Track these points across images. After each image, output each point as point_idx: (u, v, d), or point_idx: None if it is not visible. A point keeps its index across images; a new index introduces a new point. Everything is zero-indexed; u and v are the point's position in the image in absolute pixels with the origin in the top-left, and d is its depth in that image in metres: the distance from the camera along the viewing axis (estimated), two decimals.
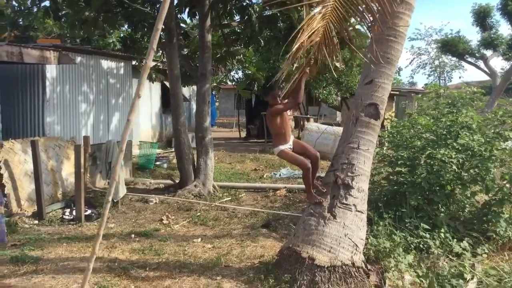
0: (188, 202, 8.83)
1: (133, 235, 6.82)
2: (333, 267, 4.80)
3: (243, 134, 23.29)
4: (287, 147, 5.50)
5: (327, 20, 6.94)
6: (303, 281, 4.76)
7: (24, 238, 6.51)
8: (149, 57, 3.27)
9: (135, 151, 13.15)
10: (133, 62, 12.62)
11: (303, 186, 10.45)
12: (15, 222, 7.10)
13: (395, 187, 7.17)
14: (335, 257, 4.83)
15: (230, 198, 9.49)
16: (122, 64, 11.34)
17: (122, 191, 8.48)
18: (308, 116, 21.95)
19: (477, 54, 28.28)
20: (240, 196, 9.73)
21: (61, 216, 7.78)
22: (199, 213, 8.18)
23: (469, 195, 6.74)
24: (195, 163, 10.01)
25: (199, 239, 6.72)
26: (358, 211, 5.14)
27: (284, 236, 6.80)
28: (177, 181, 10.18)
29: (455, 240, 5.80)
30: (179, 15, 11.23)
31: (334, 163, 5.43)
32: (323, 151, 15.05)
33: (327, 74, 19.19)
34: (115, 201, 8.31)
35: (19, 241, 6.37)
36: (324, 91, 19.95)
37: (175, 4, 10.46)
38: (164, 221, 7.70)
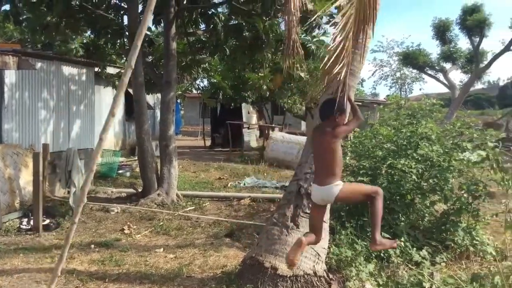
0: (150, 211, 8.69)
1: (92, 246, 6.66)
2: (295, 277, 4.81)
3: (208, 143, 23.20)
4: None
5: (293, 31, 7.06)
6: None
7: None
8: (126, 75, 3.13)
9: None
10: (96, 69, 12.39)
11: (267, 195, 10.56)
12: None
13: None
14: (298, 266, 4.83)
15: (193, 207, 9.40)
16: (84, 70, 11.10)
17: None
18: (273, 125, 22.05)
19: (436, 67, 29.13)
20: (204, 205, 9.65)
21: (18, 226, 7.51)
22: (161, 223, 8.06)
23: (428, 204, 6.89)
24: (159, 171, 9.88)
25: (161, 249, 6.61)
26: None
27: (247, 245, 6.77)
28: (139, 190, 10.01)
29: (414, 249, 5.91)
30: None
31: (298, 173, 5.46)
32: (287, 160, 15.21)
33: (292, 84, 19.37)
34: (74, 210, 8.09)
35: None
36: (289, 101, 20.12)
37: (139, 11, 10.36)
38: (126, 231, 7.54)
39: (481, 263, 5.91)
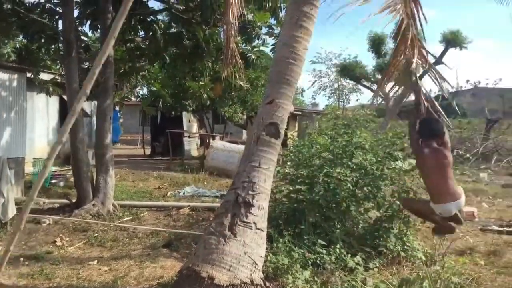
0: (85, 223, 8.39)
1: (22, 259, 6.35)
2: (232, 286, 4.78)
3: (148, 152, 22.79)
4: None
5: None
6: None
7: None
8: (80, 102, 2.95)
9: (29, 168, 12.33)
10: (28, 75, 11.91)
11: (207, 204, 10.49)
12: None
13: (295, 205, 7.37)
14: (235, 275, 4.83)
15: (131, 218, 9.17)
16: (16, 76, 10.64)
17: (12, 211, 7.87)
18: (214, 134, 22.02)
19: (372, 79, 30.15)
20: (141, 215, 9.44)
21: None
22: (96, 234, 7.80)
23: (362, 211, 7.11)
24: (94, 181, 9.59)
25: (95, 262, 6.40)
26: (258, 229, 5.19)
27: (185, 255, 6.68)
28: (74, 201, 9.66)
29: (349, 255, 6.06)
30: (80, 28, 10.81)
31: (236, 181, 5.46)
32: (227, 169, 15.20)
33: (232, 93, 19.47)
34: (3, 222, 7.70)
35: None
36: (230, 110, 20.17)
37: (76, 15, 10.08)
38: (58, 243, 7.24)
39: (411, 268, 6.15)
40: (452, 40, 26.27)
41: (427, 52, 5.55)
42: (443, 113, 5.23)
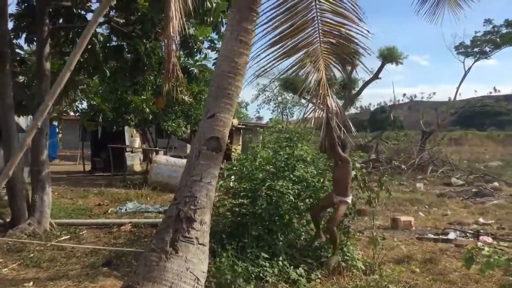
0: (20, 243, 8.01)
1: None
2: None
3: (88, 167, 22.15)
4: None
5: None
6: None
7: None
8: (40, 119, 2.77)
9: None
10: None
11: (149, 220, 10.28)
12: None
13: (238, 218, 7.37)
14: None
15: (69, 236, 8.85)
16: None
17: None
18: (157, 148, 21.72)
19: (313, 92, 30.85)
20: (81, 233, 9.13)
21: None
22: (32, 254, 7.46)
23: (305, 223, 7.22)
24: (30, 199, 9.20)
25: (31, 283, 6.13)
26: (200, 244, 5.16)
27: (126, 274, 6.50)
28: (8, 220, 9.21)
29: (292, 267, 6.14)
30: (15, 40, 10.42)
31: (178, 196, 5.42)
32: (171, 183, 15.00)
33: (176, 107, 19.31)
34: None
35: None
36: (174, 124, 19.98)
37: (10, 28, 9.71)
38: None
39: (351, 277, 6.29)
40: (389, 56, 27.40)
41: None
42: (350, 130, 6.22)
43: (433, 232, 10.10)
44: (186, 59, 11.36)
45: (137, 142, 23.40)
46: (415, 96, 45.00)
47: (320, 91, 5.98)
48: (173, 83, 7.47)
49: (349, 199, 6.36)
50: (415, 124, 37.13)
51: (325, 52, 6.03)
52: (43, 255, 7.50)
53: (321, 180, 7.28)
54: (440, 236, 9.44)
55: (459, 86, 32.89)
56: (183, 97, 14.36)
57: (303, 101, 38.69)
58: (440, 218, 11.92)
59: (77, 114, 21.83)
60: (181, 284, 4.81)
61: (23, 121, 16.32)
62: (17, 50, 11.12)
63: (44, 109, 3.42)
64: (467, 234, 9.81)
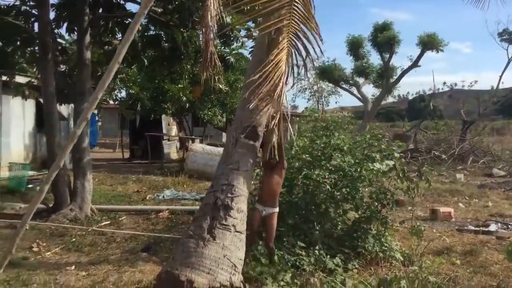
0: (62, 227, 8.26)
1: None
2: None
3: (127, 155, 22.59)
4: None
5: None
6: None
7: None
8: (99, 91, 2.76)
9: (4, 173, 12.11)
10: (3, 78, 11.70)
11: (186, 207, 10.42)
12: None
13: None
14: (214, 278, 4.82)
15: (109, 222, 9.07)
16: None
17: None
18: (194, 137, 21.93)
19: (350, 81, 30.40)
20: (120, 219, 9.35)
21: None
22: (74, 239, 7.70)
23: (341, 213, 7.16)
24: (72, 185, 9.46)
25: (73, 267, 6.31)
26: (238, 232, 5.20)
27: (164, 259, 6.63)
28: (51, 205, 9.52)
29: (328, 256, 6.10)
30: (56, 30, 10.67)
31: (214, 184, 5.47)
32: (207, 171, 15.13)
33: (212, 96, 19.40)
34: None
35: None
36: (209, 112, 20.10)
37: (52, 18, 9.93)
38: (35, 249, 7.12)
39: (389, 268, 6.21)
40: (429, 43, 26.67)
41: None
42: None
43: (473, 223, 9.85)
44: (222, 47, 11.37)
45: (174, 130, 23.70)
46: (456, 85, 43.63)
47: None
48: (210, 72, 7.50)
49: (277, 209, 5.95)
50: (455, 113, 36.20)
51: None
52: (85, 239, 7.72)
53: (358, 169, 7.17)
54: (481, 228, 9.18)
55: (502, 74, 31.87)
56: (220, 85, 14.40)
57: (339, 90, 38.34)
58: (480, 209, 11.61)
59: (116, 103, 22.31)
60: (219, 270, 4.86)
61: (64, 109, 16.76)
62: (59, 40, 11.40)
63: (93, 101, 3.48)
64: (509, 226, 9.53)
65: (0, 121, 10.91)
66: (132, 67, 14.00)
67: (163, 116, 21.40)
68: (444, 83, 76.45)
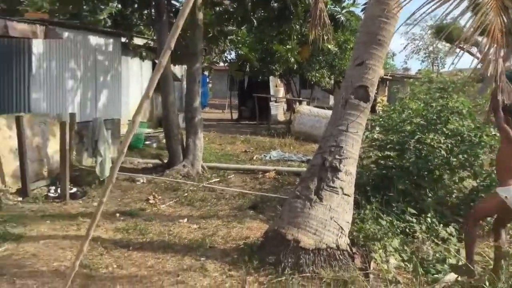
0: (175, 182, 8.73)
1: (117, 214, 6.74)
2: (318, 250, 4.76)
3: (235, 116, 23.15)
4: None
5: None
6: (287, 263, 4.72)
7: (7, 215, 6.38)
8: (165, 56, 2.87)
9: (124, 130, 12.98)
10: (123, 39, 12.39)
11: (293, 169, 10.48)
12: None
13: (384, 172, 7.14)
14: (320, 239, 4.79)
15: (218, 179, 9.42)
16: (111, 40, 11.12)
17: (109, 169, 8.36)
18: (301, 99, 21.82)
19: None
20: (229, 177, 9.66)
21: (45, 193, 7.66)
22: (186, 194, 8.11)
23: (457, 180, 6.73)
24: (184, 143, 9.91)
25: (185, 220, 6.66)
26: (345, 194, 5.09)
27: (271, 218, 6.75)
28: (165, 161, 10.08)
29: (441, 225, 5.78)
30: None
31: (322, 146, 5.37)
32: (314, 134, 15.04)
33: (320, 57, 19.05)
34: (101, 179, 8.21)
35: (1, 218, 6.25)
36: (317, 74, 19.82)
37: None
38: (151, 201, 7.61)
39: (509, 241, 5.73)
40: None
41: None
42: None
43: None
44: (333, 6, 10.99)
45: (281, 92, 23.73)
46: None
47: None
48: (319, 31, 7.27)
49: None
50: None
51: None
52: (196, 195, 8.08)
53: (479, 135, 6.63)
54: None
55: None
56: (329, 46, 14.04)
57: (458, 50, 35.67)
58: None
59: (225, 64, 22.75)
60: (325, 232, 4.82)
61: (177, 70, 17.46)
62: (173, 1, 11.75)
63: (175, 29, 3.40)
64: None
65: (120, 81, 11.61)
66: (242, 28, 14.07)
67: (271, 77, 21.49)
68: None
